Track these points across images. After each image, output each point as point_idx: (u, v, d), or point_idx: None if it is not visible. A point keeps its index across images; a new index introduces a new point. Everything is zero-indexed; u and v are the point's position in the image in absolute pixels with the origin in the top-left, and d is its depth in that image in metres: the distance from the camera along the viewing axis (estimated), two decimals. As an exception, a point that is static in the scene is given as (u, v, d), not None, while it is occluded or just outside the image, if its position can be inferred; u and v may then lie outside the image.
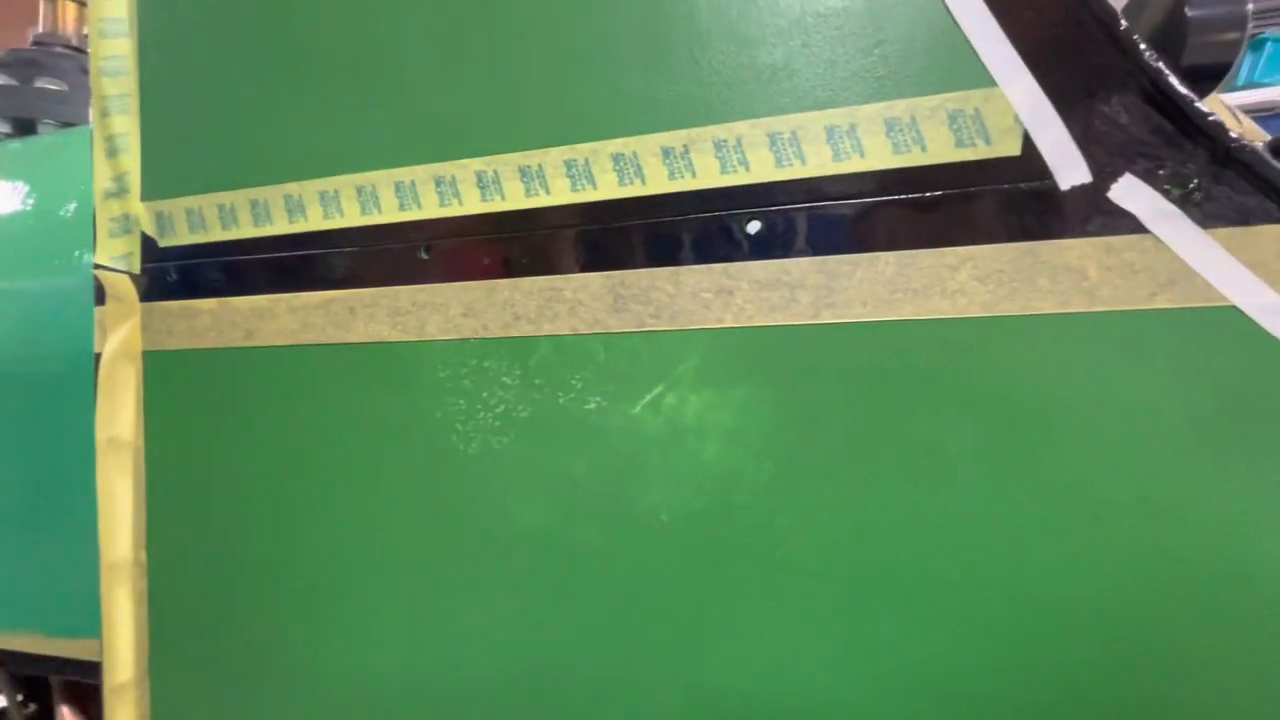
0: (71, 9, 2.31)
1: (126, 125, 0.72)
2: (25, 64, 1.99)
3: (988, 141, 0.47)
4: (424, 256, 0.62)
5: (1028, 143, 0.46)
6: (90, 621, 0.94)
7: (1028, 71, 0.46)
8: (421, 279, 0.62)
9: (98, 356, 0.73)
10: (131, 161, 0.72)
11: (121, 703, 0.70)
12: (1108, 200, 0.45)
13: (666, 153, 0.55)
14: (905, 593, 0.50)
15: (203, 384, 0.69)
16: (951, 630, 0.50)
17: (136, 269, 0.72)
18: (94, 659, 0.94)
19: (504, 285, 0.59)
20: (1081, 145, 0.45)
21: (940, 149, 0.48)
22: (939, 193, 0.49)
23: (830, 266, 0.51)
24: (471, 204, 0.60)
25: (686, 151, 0.54)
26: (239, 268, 0.68)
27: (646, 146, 0.55)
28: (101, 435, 0.71)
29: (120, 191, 0.72)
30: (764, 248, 0.53)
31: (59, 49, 2.11)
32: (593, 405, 0.57)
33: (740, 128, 0.53)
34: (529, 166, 0.58)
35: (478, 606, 0.61)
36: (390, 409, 0.63)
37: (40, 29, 2.27)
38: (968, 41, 0.47)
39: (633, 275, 0.56)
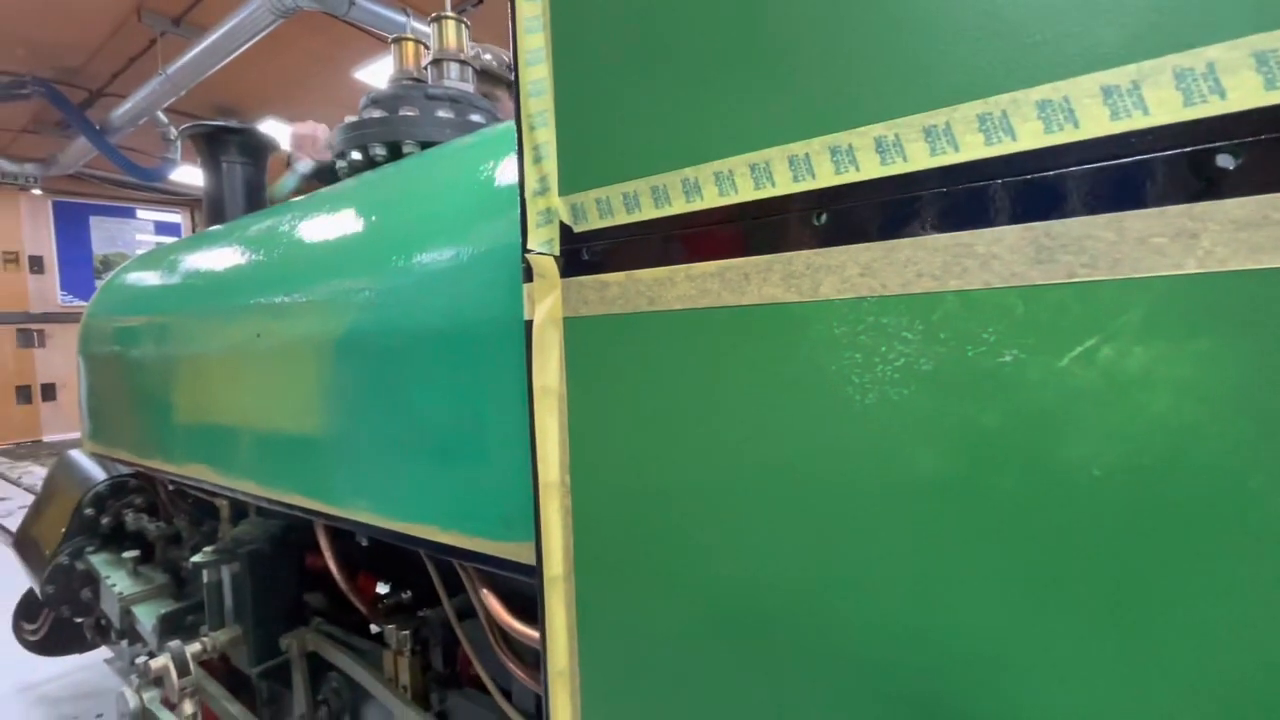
0: (411, 48, 2.88)
1: (547, 136, 0.90)
2: (390, 98, 2.53)
3: None
4: (817, 223, 0.67)
5: None
6: (497, 528, 1.22)
7: None
8: (816, 244, 0.67)
9: (528, 323, 0.93)
10: (551, 165, 0.90)
11: (555, 590, 0.91)
12: None
13: (1108, 92, 0.52)
14: None
15: (614, 343, 0.84)
16: None
17: (557, 251, 0.90)
18: (500, 555, 1.22)
19: (905, 244, 0.62)
20: None
21: None
22: None
23: (1349, 197, 0.44)
24: (870, 169, 0.63)
25: (1136, 87, 0.51)
26: (643, 245, 0.81)
27: (1082, 88, 0.53)
28: (536, 384, 0.91)
29: (544, 190, 0.91)
30: (1241, 183, 0.48)
31: (406, 82, 2.66)
32: (1008, 358, 0.57)
33: (1212, 53, 0.48)
34: (935, 126, 0.60)
35: (869, 548, 0.66)
36: (783, 362, 0.70)
37: (394, 69, 2.88)
38: None
39: (1060, 225, 0.54)
